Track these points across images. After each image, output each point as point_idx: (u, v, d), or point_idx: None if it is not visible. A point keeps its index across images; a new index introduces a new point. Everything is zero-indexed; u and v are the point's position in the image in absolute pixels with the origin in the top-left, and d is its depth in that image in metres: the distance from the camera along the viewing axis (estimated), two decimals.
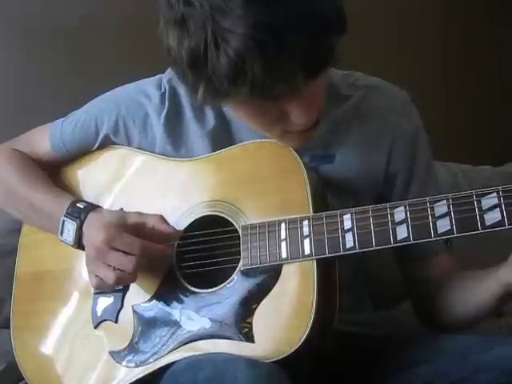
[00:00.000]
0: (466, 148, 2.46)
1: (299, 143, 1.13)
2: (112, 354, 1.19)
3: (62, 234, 1.21)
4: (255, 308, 1.08)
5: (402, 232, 1.02)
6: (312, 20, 0.94)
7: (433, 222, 1.01)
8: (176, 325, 1.14)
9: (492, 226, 0.99)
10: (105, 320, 1.21)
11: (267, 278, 1.09)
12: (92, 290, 1.23)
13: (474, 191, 1.00)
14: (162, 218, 1.17)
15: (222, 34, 0.92)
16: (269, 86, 0.95)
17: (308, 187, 1.10)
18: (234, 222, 1.14)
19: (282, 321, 1.06)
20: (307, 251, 1.06)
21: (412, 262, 1.26)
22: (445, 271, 1.24)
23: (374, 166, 1.23)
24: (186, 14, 0.95)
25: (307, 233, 1.07)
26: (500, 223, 0.98)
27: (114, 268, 1.12)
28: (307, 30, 0.93)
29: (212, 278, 1.14)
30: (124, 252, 1.12)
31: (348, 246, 1.05)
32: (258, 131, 1.14)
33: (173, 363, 1.10)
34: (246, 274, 1.11)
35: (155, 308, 1.18)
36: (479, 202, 0.99)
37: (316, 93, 1.05)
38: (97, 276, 1.14)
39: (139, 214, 1.18)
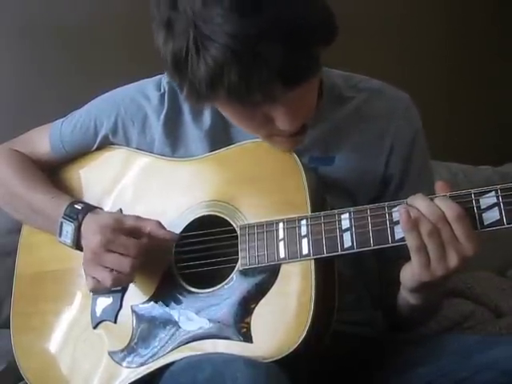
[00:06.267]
0: (466, 148, 2.46)
1: (287, 147, 1.12)
2: (111, 354, 1.19)
3: (60, 235, 1.21)
4: (254, 308, 1.08)
5: (399, 231, 1.01)
6: (291, 31, 0.93)
7: None
8: (175, 325, 1.14)
9: (490, 225, 0.98)
10: (104, 320, 1.21)
11: (265, 278, 1.08)
12: None
13: (472, 190, 0.99)
14: (159, 224, 1.16)
15: (203, 41, 0.94)
16: (245, 94, 0.96)
17: (306, 187, 1.10)
18: (232, 222, 1.14)
19: (281, 321, 1.06)
20: (305, 251, 1.06)
21: (388, 263, 1.23)
22: None
23: (373, 170, 1.22)
24: (172, 17, 0.97)
25: (305, 232, 1.07)
26: (498, 222, 0.98)
27: (111, 270, 1.12)
28: (284, 41, 0.93)
29: (210, 278, 1.14)
30: (120, 254, 1.12)
31: (346, 246, 1.04)
32: (247, 133, 1.14)
33: (172, 363, 1.10)
34: (244, 273, 1.11)
35: (154, 308, 1.18)
36: (478, 201, 0.99)
37: (302, 100, 1.03)
38: (93, 278, 1.14)
39: (137, 217, 1.17)
